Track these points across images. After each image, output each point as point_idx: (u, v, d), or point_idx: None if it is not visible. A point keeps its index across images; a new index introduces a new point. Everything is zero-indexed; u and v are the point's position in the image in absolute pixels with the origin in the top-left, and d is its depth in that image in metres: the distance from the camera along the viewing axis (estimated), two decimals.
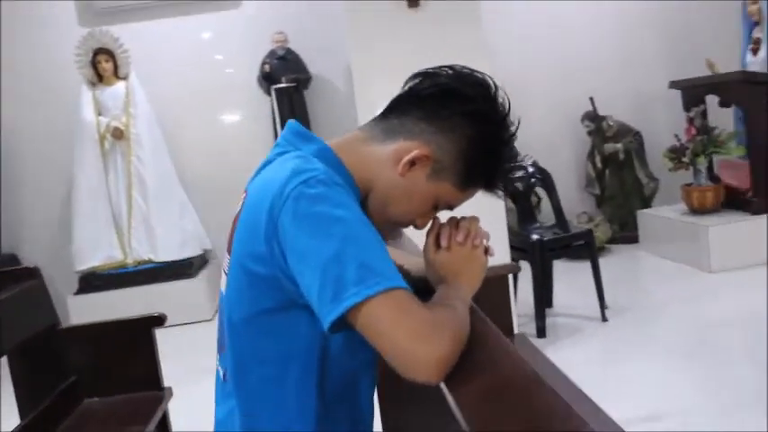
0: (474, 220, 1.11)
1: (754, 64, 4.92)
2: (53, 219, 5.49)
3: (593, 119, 5.70)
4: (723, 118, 5.10)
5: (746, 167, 4.70)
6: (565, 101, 5.82)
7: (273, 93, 5.38)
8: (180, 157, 5.44)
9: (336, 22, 5.41)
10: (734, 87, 4.66)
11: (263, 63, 5.42)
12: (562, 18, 5.77)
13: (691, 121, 4.90)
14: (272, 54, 5.42)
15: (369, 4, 3.15)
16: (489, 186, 1.08)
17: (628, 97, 5.92)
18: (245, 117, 5.68)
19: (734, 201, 4.80)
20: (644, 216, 5.38)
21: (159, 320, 2.28)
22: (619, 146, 5.66)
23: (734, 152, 4.77)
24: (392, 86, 3.51)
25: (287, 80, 5.34)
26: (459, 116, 1.02)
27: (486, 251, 1.11)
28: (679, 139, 4.93)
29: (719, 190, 4.80)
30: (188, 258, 5.15)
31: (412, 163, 1.02)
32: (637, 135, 5.73)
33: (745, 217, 4.61)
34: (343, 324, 0.87)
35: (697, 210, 4.79)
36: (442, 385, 0.88)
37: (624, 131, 5.73)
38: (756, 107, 4.58)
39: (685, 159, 4.76)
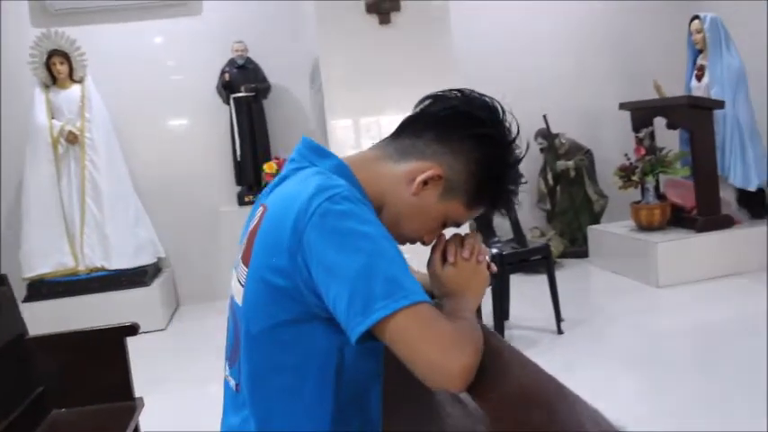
0: (476, 236, 1.17)
1: (699, 89, 5.15)
2: None
3: (546, 136, 5.86)
4: (670, 139, 5.33)
5: (691, 187, 4.92)
6: (519, 118, 5.94)
7: (232, 102, 5.36)
8: (135, 165, 5.35)
9: (296, 33, 5.47)
10: (681, 111, 4.87)
11: (223, 72, 5.39)
12: (518, 36, 5.93)
13: (640, 141, 5.10)
14: (231, 63, 5.39)
15: (340, 21, 3.19)
16: (495, 206, 1.14)
17: (579, 116, 6.12)
18: (203, 125, 5.61)
19: (679, 219, 5.01)
20: (594, 232, 5.56)
21: (132, 330, 2.25)
22: (570, 163, 5.83)
23: (680, 172, 4.98)
24: (364, 99, 3.63)
25: (246, 89, 5.32)
26: (470, 139, 1.07)
27: (488, 266, 1.17)
28: (629, 159, 5.13)
29: (666, 208, 5.01)
30: (142, 266, 5.05)
31: (425, 183, 1.07)
32: (588, 153, 5.93)
33: (690, 234, 4.81)
34: (369, 336, 0.91)
35: (645, 227, 4.98)
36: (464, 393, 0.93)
37: (575, 149, 5.92)
38: (701, 131, 4.80)
39: (635, 178, 4.95)
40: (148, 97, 5.45)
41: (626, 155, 5.18)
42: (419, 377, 0.91)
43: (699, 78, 5.19)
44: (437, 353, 0.89)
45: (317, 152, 1.11)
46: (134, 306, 4.64)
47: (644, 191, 5.01)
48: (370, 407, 1.12)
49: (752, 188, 4.90)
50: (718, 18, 5.04)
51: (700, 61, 5.21)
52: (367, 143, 3.37)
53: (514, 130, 1.12)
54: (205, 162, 5.58)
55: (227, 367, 1.14)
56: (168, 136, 5.63)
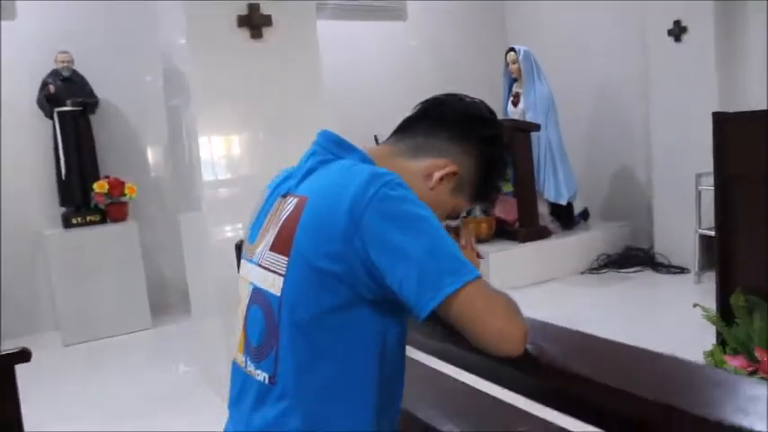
0: (468, 227, 1.31)
1: (515, 114, 5.72)
2: None
3: None
4: None
5: (514, 202, 5.44)
6: (353, 138, 6.15)
7: (56, 116, 4.96)
8: None
9: (125, 47, 5.23)
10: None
11: (46, 84, 4.98)
12: (352, 62, 6.12)
13: None
14: (55, 74, 5.00)
15: (211, 34, 3.15)
16: (489, 199, 1.29)
17: None
18: (23, 140, 5.11)
19: (503, 231, 5.51)
20: None
21: (24, 356, 2.04)
22: None
23: (503, 189, 5.49)
24: (235, 113, 3.63)
25: (72, 103, 4.96)
26: (480, 139, 1.20)
27: (478, 254, 1.31)
28: None
29: (492, 221, 5.48)
30: None
31: (441, 178, 1.17)
32: None
33: (514, 245, 5.31)
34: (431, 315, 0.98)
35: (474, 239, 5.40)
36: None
37: None
38: (521, 151, 5.34)
39: None
40: None
41: None
42: (483, 347, 1.00)
43: (515, 104, 5.76)
44: (503, 322, 0.99)
45: (340, 145, 1.17)
46: None
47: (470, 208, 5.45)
48: (397, 401, 1.17)
49: (563, 202, 5.54)
50: (531, 51, 5.65)
51: (515, 89, 5.78)
52: (240, 156, 3.35)
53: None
54: (24, 181, 5.09)
55: (250, 362, 1.12)
56: None
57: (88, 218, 4.99)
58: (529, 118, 5.53)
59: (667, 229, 5.37)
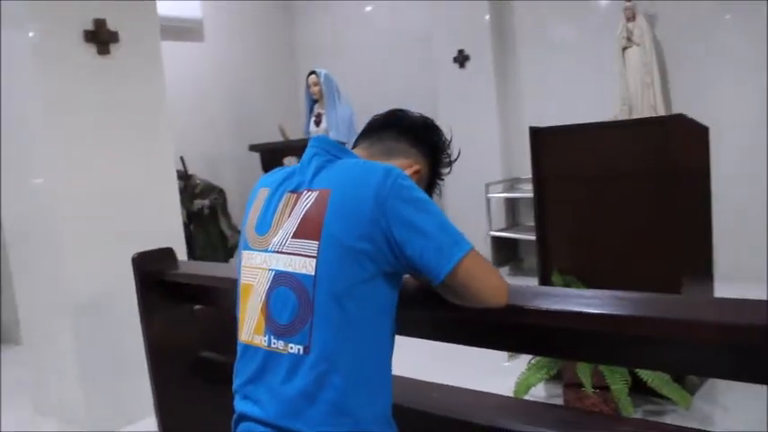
0: None
1: (318, 133, 5.94)
2: None
3: (182, 177, 6.03)
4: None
5: None
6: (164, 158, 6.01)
7: None
8: None
9: None
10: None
11: None
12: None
13: None
14: None
15: (58, 49, 3.05)
16: (434, 189, 1.55)
17: (211, 158, 6.43)
18: None
19: None
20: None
21: None
22: (206, 202, 6.09)
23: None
24: (85, 124, 3.57)
25: None
26: (434, 144, 1.49)
27: None
28: None
29: None
30: None
31: (411, 174, 1.39)
32: (221, 192, 6.26)
33: None
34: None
35: None
36: None
37: (209, 189, 6.21)
38: None
39: None
40: None
41: None
42: (482, 301, 1.26)
43: (317, 124, 5.99)
44: (497, 280, 1.28)
45: (338, 148, 1.37)
46: None
47: None
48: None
49: None
50: (330, 73, 5.93)
51: (317, 109, 6.02)
52: (90, 173, 3.20)
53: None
54: None
55: (277, 339, 1.24)
56: None
57: None
58: (332, 137, 5.78)
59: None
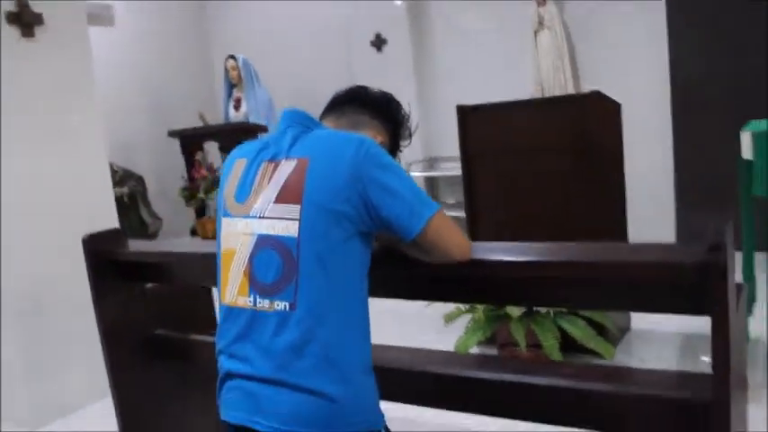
0: None
1: (237, 117, 5.94)
2: None
3: None
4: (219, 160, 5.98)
5: None
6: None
7: None
8: None
9: None
10: (230, 135, 5.56)
11: None
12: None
13: (198, 163, 5.62)
14: None
15: None
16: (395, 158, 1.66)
17: (129, 145, 6.27)
18: None
19: None
20: None
21: None
22: (125, 189, 5.97)
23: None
24: (9, 108, 3.51)
25: None
26: (395, 118, 1.61)
27: None
28: (187, 180, 5.59)
29: None
30: None
31: None
32: (140, 179, 6.15)
33: None
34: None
35: (212, 238, 5.50)
36: None
37: (128, 176, 6.08)
38: None
39: (200, 195, 5.44)
40: None
41: (183, 177, 5.63)
42: (449, 256, 1.41)
43: (237, 108, 5.99)
44: (460, 238, 1.44)
45: (311, 120, 1.48)
46: None
47: (207, 206, 5.54)
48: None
49: None
50: (248, 59, 5.93)
51: (236, 94, 6.01)
52: (18, 159, 3.09)
53: None
54: None
55: (263, 298, 1.32)
56: None
57: None
58: (252, 120, 5.79)
59: None
